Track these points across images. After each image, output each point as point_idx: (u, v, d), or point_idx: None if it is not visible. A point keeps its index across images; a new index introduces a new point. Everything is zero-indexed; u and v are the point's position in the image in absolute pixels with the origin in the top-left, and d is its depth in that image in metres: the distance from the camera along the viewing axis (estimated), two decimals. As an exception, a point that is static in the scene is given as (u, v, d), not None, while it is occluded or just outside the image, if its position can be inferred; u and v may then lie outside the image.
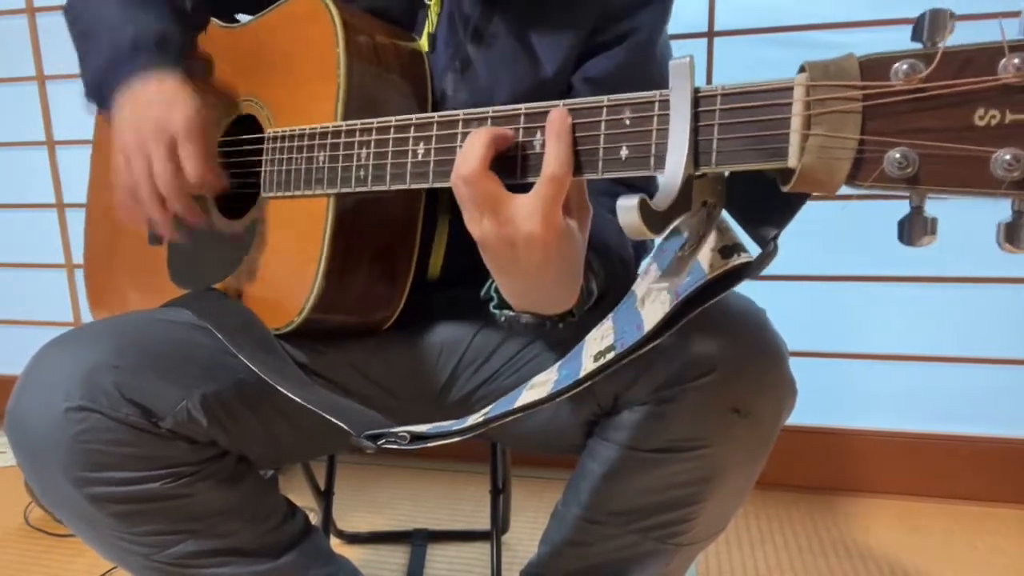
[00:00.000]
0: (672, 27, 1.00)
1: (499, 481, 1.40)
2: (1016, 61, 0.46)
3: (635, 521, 0.86)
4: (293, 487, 1.78)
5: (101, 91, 0.92)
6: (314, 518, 1.52)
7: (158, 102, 0.86)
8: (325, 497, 1.42)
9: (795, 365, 0.82)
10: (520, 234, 0.64)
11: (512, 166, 0.67)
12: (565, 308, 0.76)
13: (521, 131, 0.67)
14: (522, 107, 0.67)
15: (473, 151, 0.64)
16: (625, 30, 0.93)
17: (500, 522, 1.41)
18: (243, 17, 1.06)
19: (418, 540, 1.61)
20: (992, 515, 1.68)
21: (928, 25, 0.49)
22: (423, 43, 0.94)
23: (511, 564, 1.45)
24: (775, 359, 0.80)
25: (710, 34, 1.68)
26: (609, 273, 0.84)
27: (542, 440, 0.96)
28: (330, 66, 0.85)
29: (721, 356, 0.78)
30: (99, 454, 0.76)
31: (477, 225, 0.66)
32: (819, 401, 1.77)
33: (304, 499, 1.40)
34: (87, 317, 2.12)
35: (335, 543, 1.57)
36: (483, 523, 1.61)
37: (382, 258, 0.89)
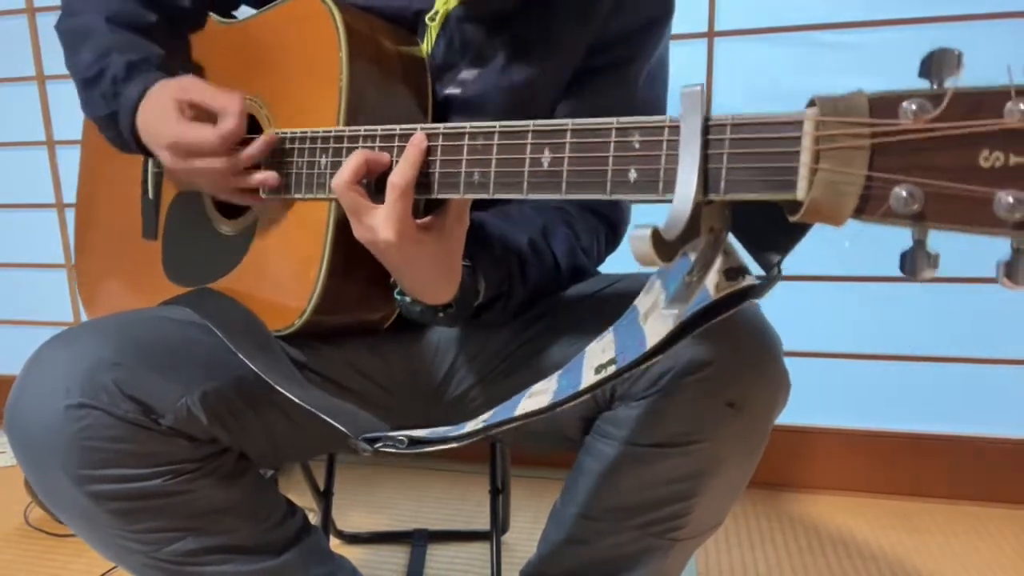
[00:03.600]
0: (672, 27, 1.00)
1: (499, 481, 1.40)
2: (1021, 107, 0.47)
3: (632, 517, 0.86)
4: (293, 487, 1.78)
5: (122, 135, 0.93)
6: (314, 518, 1.51)
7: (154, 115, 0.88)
8: (325, 497, 1.42)
9: (794, 364, 0.83)
10: (379, 239, 0.74)
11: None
12: (443, 301, 0.84)
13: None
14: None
15: (345, 166, 0.74)
16: (614, 58, 0.95)
17: (500, 522, 1.41)
18: (241, 13, 1.05)
19: (418, 540, 1.61)
20: (992, 515, 1.68)
21: (936, 64, 0.50)
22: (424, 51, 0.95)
23: (511, 564, 1.45)
24: (770, 354, 0.81)
25: (710, 34, 1.68)
26: (502, 277, 0.89)
27: (541, 436, 0.97)
28: (332, 69, 0.85)
29: (716, 351, 0.78)
30: (99, 451, 0.76)
31: (354, 228, 0.76)
32: (819, 401, 1.77)
33: (304, 499, 1.40)
34: (87, 317, 2.13)
35: (335, 543, 1.57)
36: (483, 523, 1.61)
37: None
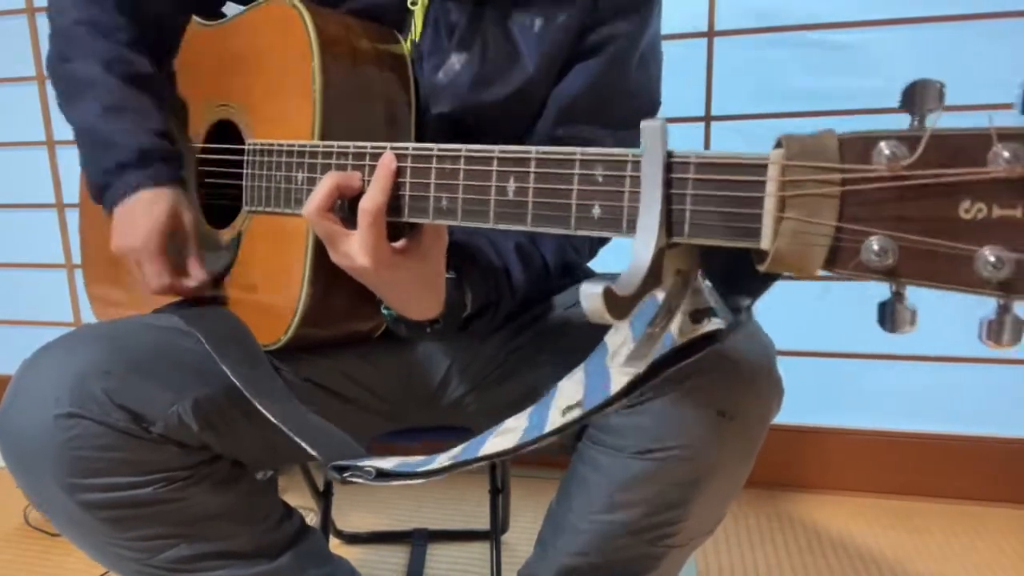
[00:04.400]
0: (672, 27, 1.00)
1: (499, 481, 1.40)
2: (1006, 154, 0.42)
3: (625, 524, 0.86)
4: (292, 487, 1.78)
5: (102, 193, 0.94)
6: (313, 518, 1.52)
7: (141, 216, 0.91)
8: (324, 497, 1.42)
9: (794, 364, 0.82)
10: (356, 265, 0.73)
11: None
12: (429, 316, 0.84)
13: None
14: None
15: (315, 193, 0.73)
16: (606, 36, 0.93)
17: (500, 522, 1.42)
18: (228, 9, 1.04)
19: (418, 540, 1.62)
20: (992, 515, 1.68)
21: (918, 96, 0.46)
22: (406, 47, 0.94)
23: (511, 564, 1.45)
24: (762, 361, 0.80)
25: (710, 34, 1.68)
26: (488, 290, 0.89)
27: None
28: (305, 78, 0.83)
29: (707, 358, 0.78)
30: (90, 460, 0.76)
31: (331, 254, 0.76)
32: (819, 401, 1.77)
33: (303, 499, 1.40)
34: (87, 317, 2.13)
35: (335, 543, 1.57)
36: (483, 523, 1.61)
37: None
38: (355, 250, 0.72)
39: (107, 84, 0.93)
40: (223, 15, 1.03)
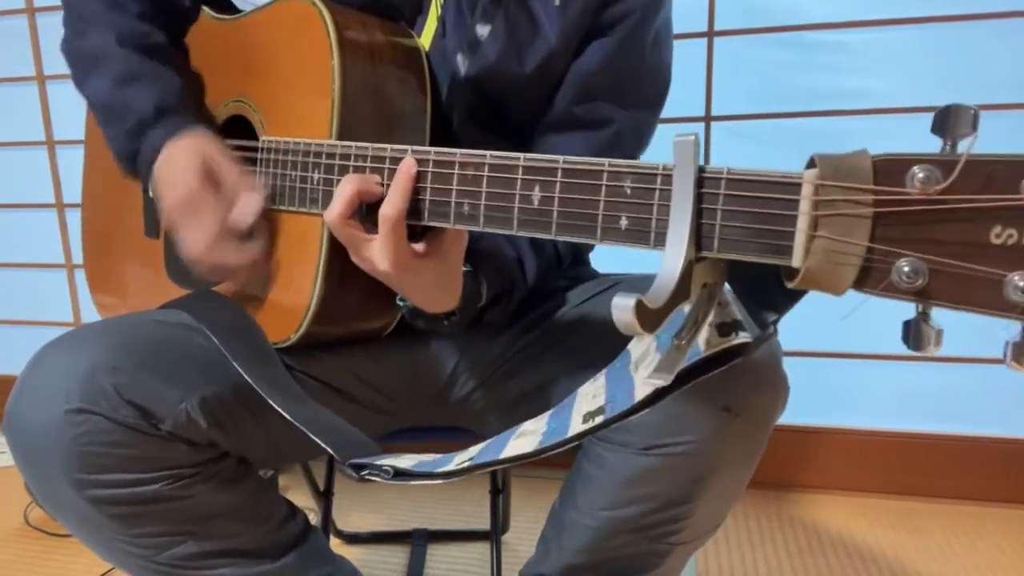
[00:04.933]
0: (673, 27, 1.00)
1: (499, 481, 1.40)
2: None
3: (630, 521, 0.86)
4: (293, 487, 1.78)
5: (134, 164, 0.92)
6: (314, 518, 1.52)
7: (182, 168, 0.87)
8: (325, 497, 1.42)
9: (794, 364, 0.82)
10: (378, 270, 0.74)
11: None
12: (446, 310, 0.84)
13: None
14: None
15: (336, 200, 0.73)
16: (622, 11, 0.93)
17: (500, 522, 1.41)
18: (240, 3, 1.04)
19: (418, 540, 1.62)
20: (992, 515, 1.68)
21: (951, 121, 0.46)
22: (431, 24, 0.93)
23: (511, 564, 1.45)
24: (769, 359, 0.80)
25: (710, 34, 1.68)
26: (502, 279, 0.90)
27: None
28: (324, 77, 0.83)
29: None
30: (98, 456, 0.76)
31: (352, 258, 0.77)
32: (819, 400, 1.77)
33: (304, 499, 1.40)
34: (87, 317, 2.13)
35: (335, 543, 1.57)
36: (483, 523, 1.61)
37: None
38: (376, 255, 0.73)
39: (120, 55, 0.92)
40: (235, 8, 1.03)
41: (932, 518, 1.68)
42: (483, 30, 0.93)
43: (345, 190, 0.73)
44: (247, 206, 0.85)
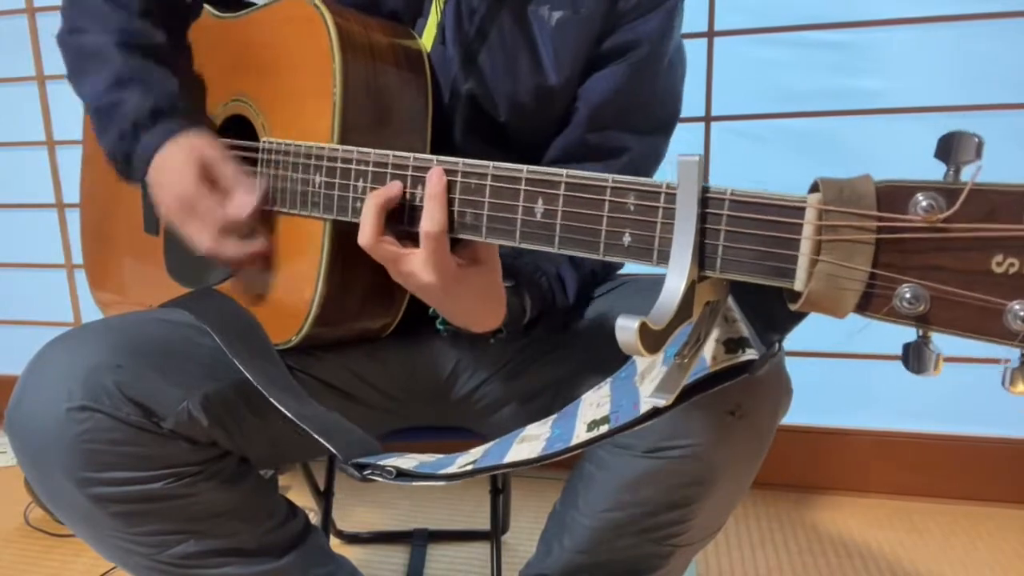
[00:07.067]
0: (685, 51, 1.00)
1: (499, 481, 1.40)
2: None
3: (632, 523, 0.86)
4: (293, 487, 1.78)
5: (128, 165, 0.92)
6: (314, 518, 1.51)
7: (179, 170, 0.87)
8: (325, 497, 1.42)
9: (794, 365, 0.82)
10: (420, 283, 0.73)
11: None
12: (492, 327, 0.84)
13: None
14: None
15: (365, 222, 0.73)
16: (629, 40, 0.93)
17: (500, 522, 1.41)
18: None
19: (418, 540, 1.62)
20: (992, 515, 1.68)
21: (954, 148, 0.46)
22: (430, 30, 0.93)
23: (511, 564, 1.45)
24: (771, 361, 0.80)
25: (710, 34, 1.68)
26: (544, 293, 0.90)
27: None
28: (325, 80, 0.83)
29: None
30: (101, 454, 0.76)
31: (392, 274, 0.76)
32: (819, 401, 1.77)
33: (304, 499, 1.40)
34: (87, 317, 2.13)
35: (335, 543, 1.57)
36: (483, 523, 1.61)
37: (380, 272, 0.88)
38: (419, 268, 0.72)
39: (117, 56, 0.92)
40: (237, 4, 1.03)
41: (932, 518, 1.68)
42: (479, 46, 0.93)
43: (369, 209, 0.73)
44: (240, 206, 0.84)
